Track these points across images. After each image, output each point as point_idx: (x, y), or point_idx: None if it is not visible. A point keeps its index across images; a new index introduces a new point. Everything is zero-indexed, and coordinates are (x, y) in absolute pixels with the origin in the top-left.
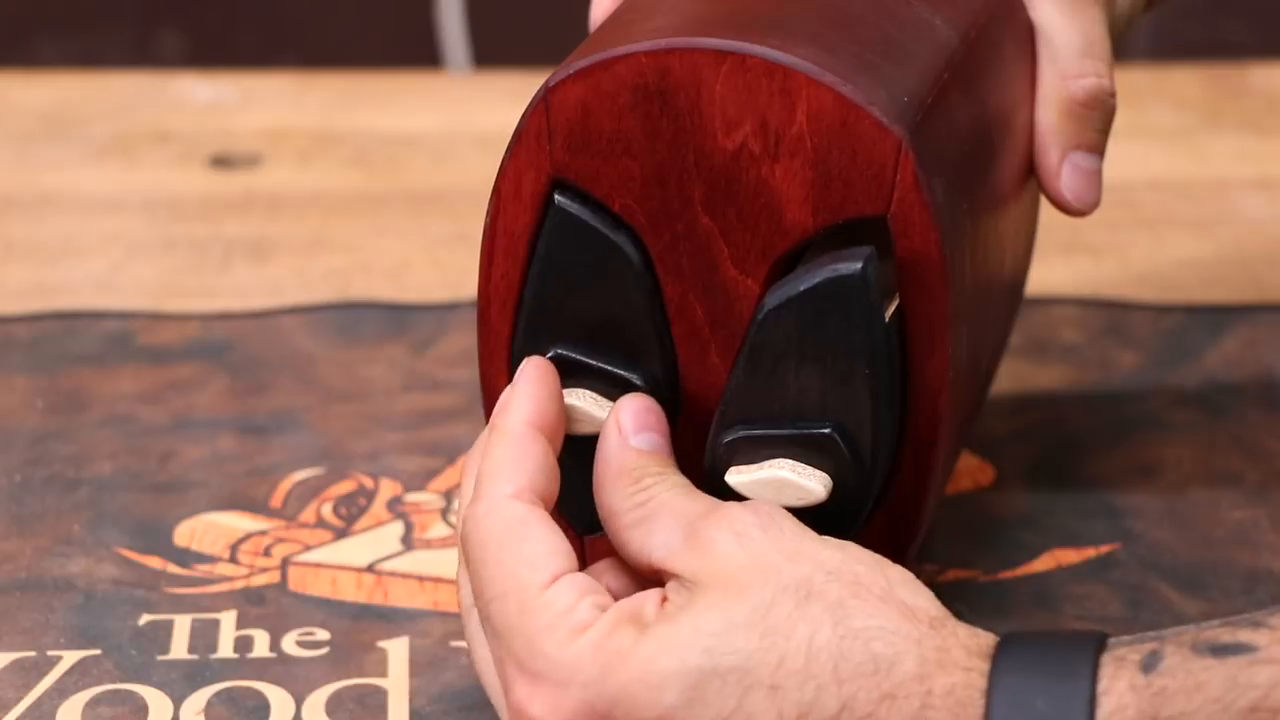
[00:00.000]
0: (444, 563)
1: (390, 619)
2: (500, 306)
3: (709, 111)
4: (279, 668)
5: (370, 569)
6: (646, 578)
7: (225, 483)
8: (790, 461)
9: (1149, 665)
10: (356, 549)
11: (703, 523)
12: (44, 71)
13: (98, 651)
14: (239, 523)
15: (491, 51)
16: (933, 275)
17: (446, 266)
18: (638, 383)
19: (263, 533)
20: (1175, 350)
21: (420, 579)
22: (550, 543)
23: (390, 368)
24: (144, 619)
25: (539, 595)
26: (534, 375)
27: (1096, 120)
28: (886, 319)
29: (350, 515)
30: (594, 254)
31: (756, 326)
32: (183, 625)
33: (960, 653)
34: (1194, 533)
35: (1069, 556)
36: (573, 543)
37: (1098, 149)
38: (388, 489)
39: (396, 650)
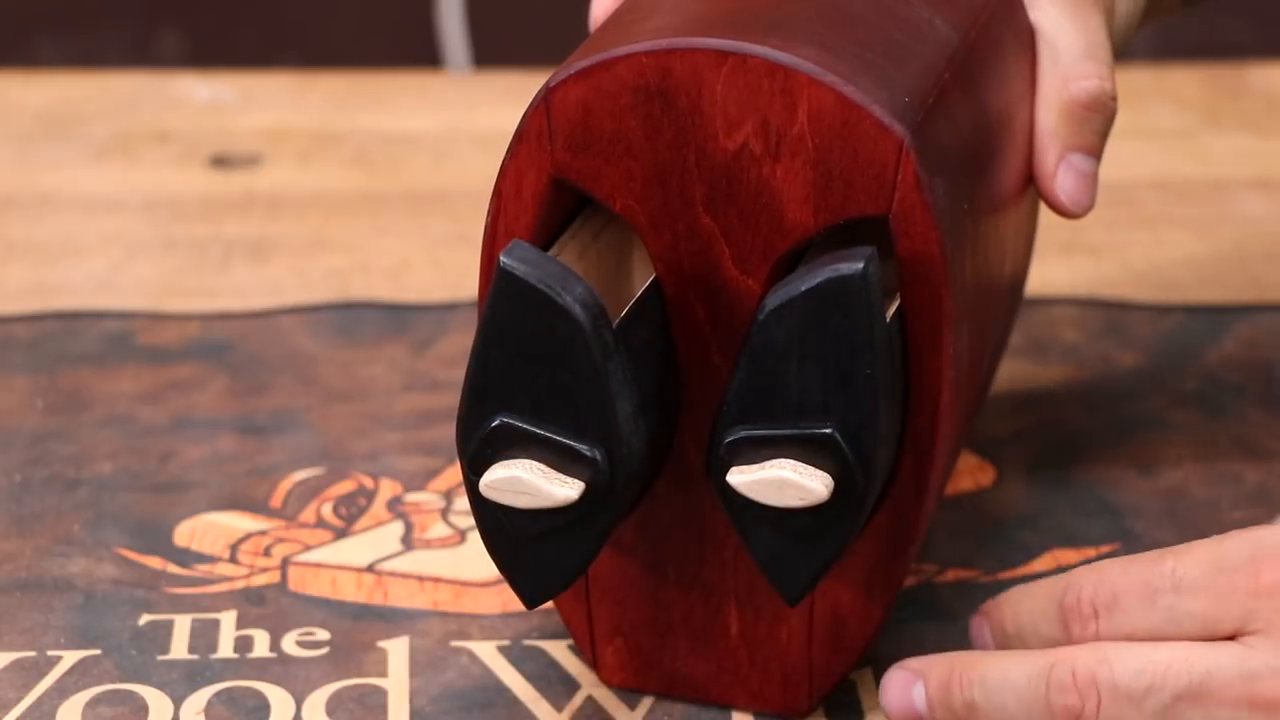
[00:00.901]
0: (444, 562)
1: (390, 619)
2: None
3: (710, 111)
4: (279, 668)
5: (370, 569)
6: None
7: (225, 483)
8: (792, 461)
9: None
10: (356, 549)
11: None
12: (44, 71)
13: (98, 651)
14: (239, 523)
15: (491, 51)
16: (934, 275)
17: (446, 266)
18: (586, 453)
19: (263, 533)
20: (1175, 350)
21: (420, 579)
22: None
23: (390, 368)
24: (144, 619)
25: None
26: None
27: (1096, 123)
28: (888, 319)
29: (350, 515)
30: (540, 319)
31: (758, 326)
32: (183, 625)
33: None
34: (1194, 532)
35: (1069, 556)
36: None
37: (1095, 152)
38: (388, 489)
39: (396, 650)
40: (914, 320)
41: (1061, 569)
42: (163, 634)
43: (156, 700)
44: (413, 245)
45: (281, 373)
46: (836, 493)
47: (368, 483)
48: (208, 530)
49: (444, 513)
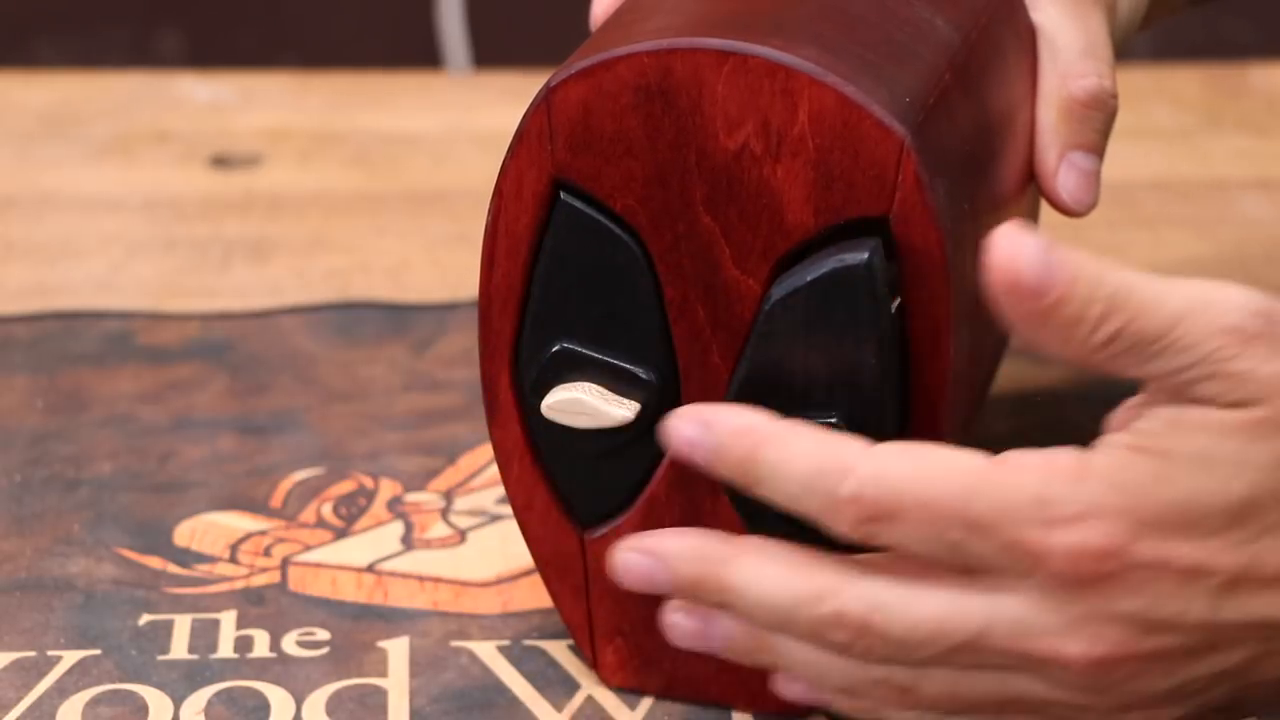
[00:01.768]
0: (444, 562)
1: (390, 619)
2: (501, 306)
3: (711, 112)
4: (279, 668)
5: (370, 569)
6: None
7: (225, 483)
8: None
9: None
10: (356, 549)
11: (1228, 351)
12: (44, 71)
13: (98, 651)
14: (239, 523)
15: (491, 51)
16: (935, 276)
17: (446, 266)
18: (643, 376)
19: (263, 533)
20: None
21: (420, 579)
22: (952, 448)
23: (390, 368)
24: (144, 619)
25: (1007, 467)
26: (717, 405)
27: (1097, 121)
28: (896, 305)
29: (350, 515)
30: (599, 250)
31: (764, 317)
32: (183, 625)
33: None
34: None
35: None
36: (572, 541)
37: (1097, 149)
38: (388, 489)
39: (396, 650)
40: (914, 320)
41: None
42: (163, 634)
43: (156, 700)
44: (413, 245)
45: (281, 373)
46: None
47: (368, 483)
48: (208, 530)
49: (444, 513)
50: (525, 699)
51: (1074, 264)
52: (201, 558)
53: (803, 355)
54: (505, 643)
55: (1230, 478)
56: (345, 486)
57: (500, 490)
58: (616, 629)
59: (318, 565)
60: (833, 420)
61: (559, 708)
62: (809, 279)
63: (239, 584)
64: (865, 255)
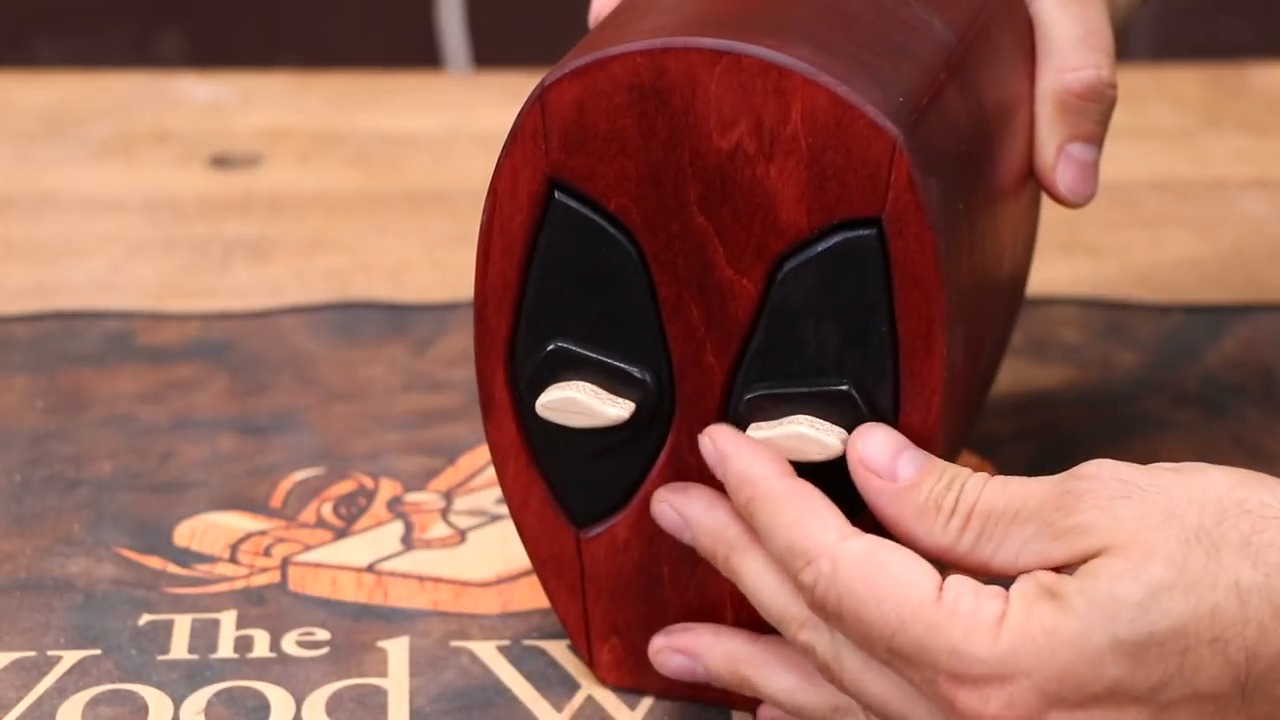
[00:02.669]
0: (444, 562)
1: (390, 619)
2: (497, 305)
3: (704, 111)
4: (279, 668)
5: (370, 569)
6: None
7: (225, 483)
8: (809, 418)
9: None
10: (356, 549)
11: (1058, 514)
12: (44, 71)
13: (98, 651)
14: (239, 523)
15: (491, 51)
16: (927, 276)
17: (446, 266)
18: (638, 375)
19: (263, 533)
20: (1175, 350)
21: (420, 579)
22: (911, 559)
23: (390, 368)
24: (144, 619)
25: (938, 608)
26: (742, 439)
27: (1094, 112)
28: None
29: (350, 515)
30: (594, 249)
31: (776, 287)
32: (183, 625)
33: None
34: None
35: None
36: (568, 539)
37: (1096, 141)
38: (388, 489)
39: (396, 650)
40: (907, 320)
41: None
42: (163, 634)
43: (156, 700)
44: (413, 245)
45: (281, 373)
46: None
47: (368, 483)
48: (208, 530)
49: (444, 513)
50: (525, 699)
51: (925, 457)
52: (201, 558)
53: (814, 324)
54: (505, 643)
55: (1114, 621)
56: (345, 486)
57: (500, 490)
58: (612, 628)
59: (318, 565)
60: (843, 388)
61: (559, 708)
62: (820, 249)
63: (239, 584)
64: (875, 229)
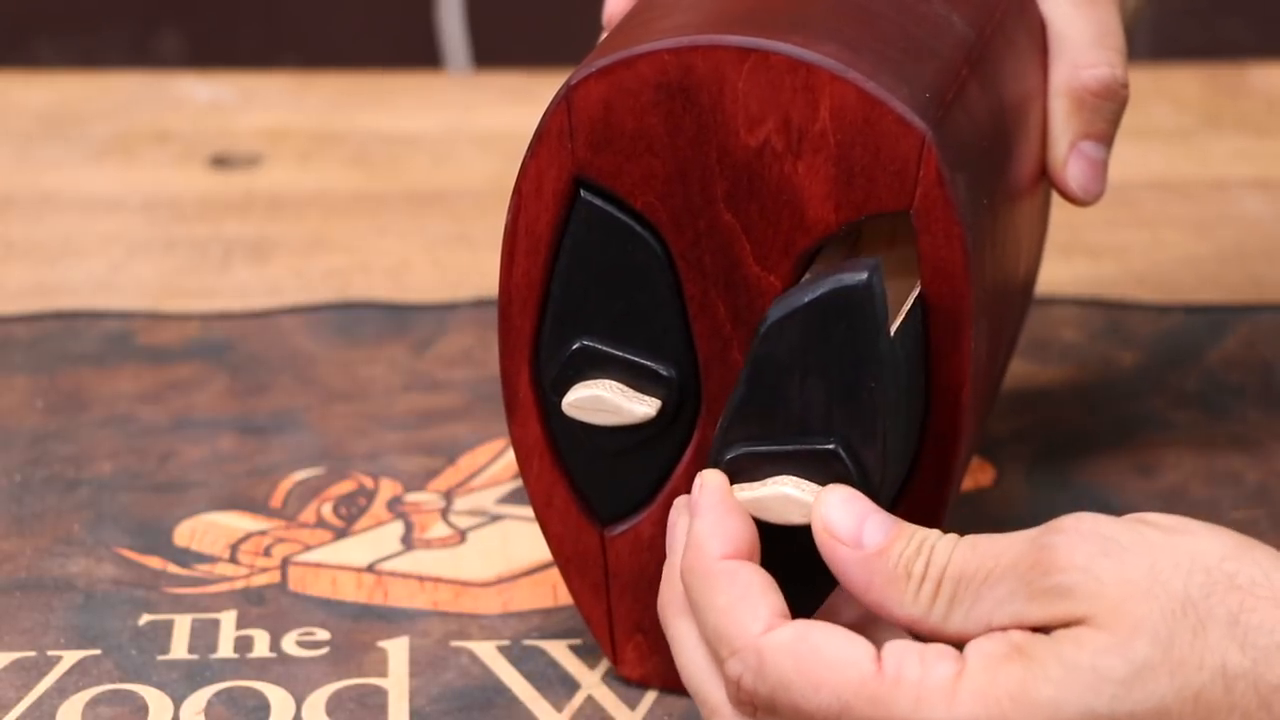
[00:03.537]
0: (444, 563)
1: (390, 619)
2: (521, 304)
3: (732, 108)
4: (279, 668)
5: (370, 569)
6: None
7: (225, 483)
8: (794, 479)
9: None
10: (356, 549)
11: (1034, 571)
12: (44, 71)
13: (98, 651)
14: (239, 523)
15: (491, 51)
16: (955, 271)
17: (446, 266)
18: (664, 372)
19: (263, 533)
20: (1175, 350)
21: (420, 579)
22: (843, 636)
23: (390, 368)
24: (144, 619)
25: (881, 680)
26: (715, 502)
27: (1107, 111)
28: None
29: (350, 515)
30: (620, 247)
31: (760, 339)
32: (183, 625)
33: None
34: None
35: None
36: (593, 538)
37: (1107, 139)
38: (388, 489)
39: (396, 650)
40: (935, 316)
41: None
42: (163, 634)
43: (156, 700)
44: (413, 245)
45: (281, 373)
46: None
47: (368, 483)
48: (208, 530)
49: (444, 513)
50: (525, 699)
51: (892, 521)
52: (201, 558)
53: (800, 378)
54: (505, 643)
55: (1093, 695)
56: (345, 486)
57: (500, 490)
58: (637, 625)
59: (318, 565)
60: (830, 447)
61: (559, 708)
62: (807, 299)
63: (239, 584)
64: (865, 275)
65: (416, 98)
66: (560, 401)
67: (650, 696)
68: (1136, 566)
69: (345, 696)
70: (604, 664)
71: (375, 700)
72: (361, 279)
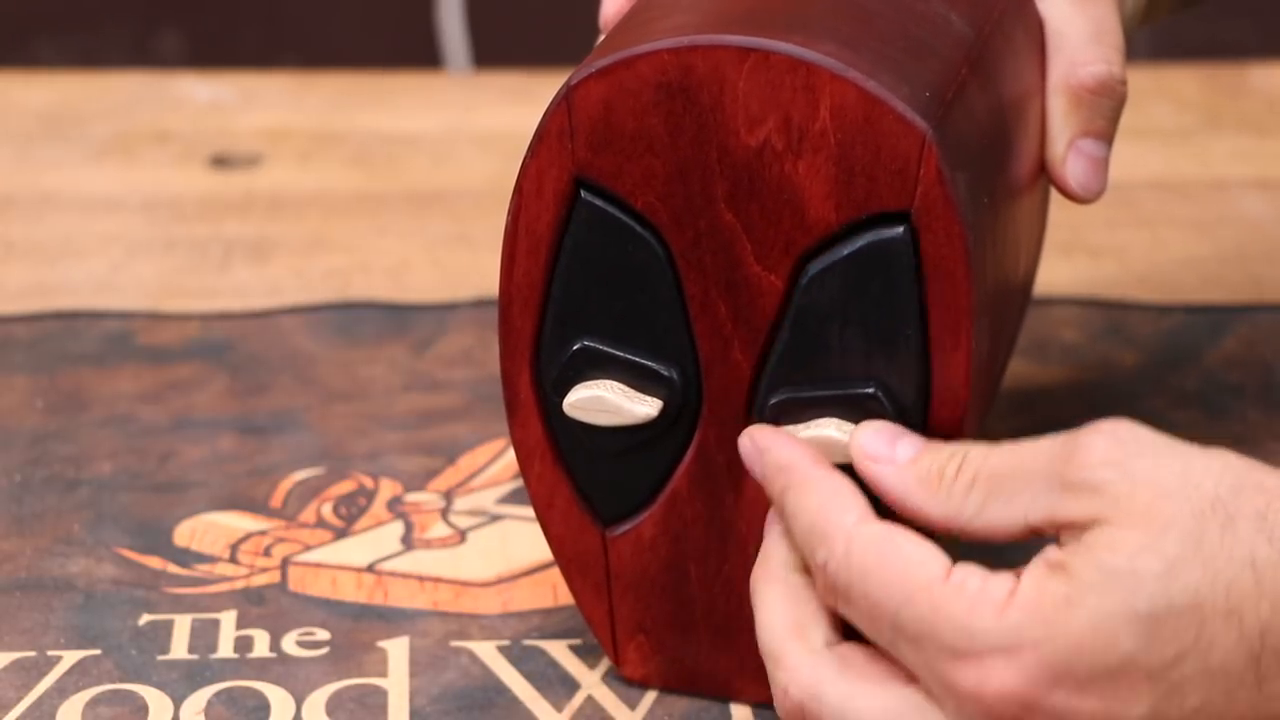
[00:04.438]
0: (444, 563)
1: (390, 619)
2: (522, 305)
3: (732, 108)
4: (279, 668)
5: (370, 569)
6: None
7: (225, 483)
8: (836, 420)
9: None
10: (356, 549)
11: (1069, 466)
12: (44, 71)
13: (98, 651)
14: (239, 523)
15: (491, 51)
16: (956, 270)
17: (446, 266)
18: (665, 373)
19: (263, 533)
20: (1175, 350)
21: (420, 579)
22: (926, 545)
23: (390, 368)
24: (144, 619)
25: (945, 585)
26: (779, 434)
27: (1105, 108)
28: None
29: (350, 515)
30: (620, 247)
31: (801, 290)
32: (183, 625)
33: None
34: None
35: None
36: (594, 538)
37: (1106, 136)
38: (388, 489)
39: (396, 650)
40: (936, 314)
41: None
42: (163, 634)
43: (156, 700)
44: (413, 245)
45: (281, 373)
46: None
47: (368, 483)
48: (208, 530)
49: (444, 513)
50: (525, 699)
51: (925, 440)
52: (201, 558)
53: (840, 327)
54: (505, 643)
55: (1133, 595)
56: (345, 486)
57: (500, 490)
58: (639, 626)
59: (318, 565)
60: (869, 391)
61: (559, 708)
62: (846, 252)
63: (239, 584)
64: (901, 228)
65: (416, 98)
66: (561, 402)
67: (650, 696)
68: (1169, 468)
69: (345, 696)
70: (604, 664)
71: (375, 700)
72: (361, 279)
